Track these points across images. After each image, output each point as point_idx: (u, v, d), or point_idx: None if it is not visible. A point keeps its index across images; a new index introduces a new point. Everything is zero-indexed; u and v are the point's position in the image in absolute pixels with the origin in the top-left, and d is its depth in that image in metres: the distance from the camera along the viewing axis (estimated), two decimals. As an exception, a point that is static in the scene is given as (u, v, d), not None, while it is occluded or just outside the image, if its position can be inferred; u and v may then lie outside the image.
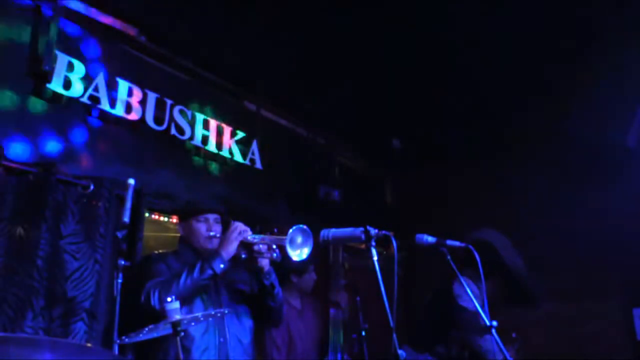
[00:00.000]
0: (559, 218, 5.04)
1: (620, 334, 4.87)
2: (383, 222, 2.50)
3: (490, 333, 3.16)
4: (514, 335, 3.24)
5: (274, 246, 2.85)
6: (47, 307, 3.03)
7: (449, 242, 2.65)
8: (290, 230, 2.63)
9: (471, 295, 2.61)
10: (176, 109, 4.11)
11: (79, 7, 3.70)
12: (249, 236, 2.81)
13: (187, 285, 2.65)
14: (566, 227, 4.92)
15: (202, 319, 2.48)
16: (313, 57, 4.79)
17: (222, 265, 2.72)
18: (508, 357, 2.36)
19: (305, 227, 2.66)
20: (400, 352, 2.00)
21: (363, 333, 4.01)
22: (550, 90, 4.87)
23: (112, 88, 3.73)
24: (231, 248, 2.75)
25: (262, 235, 2.84)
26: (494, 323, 2.44)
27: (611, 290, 4.92)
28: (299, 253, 2.66)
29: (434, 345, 3.17)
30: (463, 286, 2.65)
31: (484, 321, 3.16)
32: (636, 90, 4.59)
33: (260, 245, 2.83)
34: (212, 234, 2.92)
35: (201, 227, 2.96)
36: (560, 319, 4.86)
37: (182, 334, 2.29)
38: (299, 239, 2.67)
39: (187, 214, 3.04)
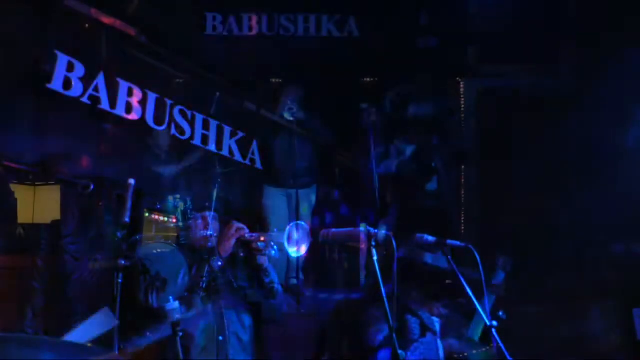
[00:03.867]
0: (559, 217, 5.03)
1: (621, 334, 4.87)
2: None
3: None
4: (500, 313, 3.25)
5: (272, 243, 2.84)
6: (47, 307, 3.03)
7: (449, 241, 2.63)
8: (287, 227, 2.62)
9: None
10: (176, 109, 4.11)
11: (79, 7, 3.70)
12: (246, 234, 2.81)
13: (185, 283, 2.65)
14: (565, 226, 4.91)
15: (201, 313, 2.49)
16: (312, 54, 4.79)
17: (219, 263, 2.73)
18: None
19: (302, 223, 2.66)
20: (400, 352, 2.00)
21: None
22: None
23: (112, 88, 3.73)
24: (228, 246, 2.76)
25: (259, 233, 2.84)
26: (494, 323, 2.42)
27: (611, 290, 4.91)
28: (296, 249, 2.66)
29: None
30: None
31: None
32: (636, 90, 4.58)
33: (258, 243, 2.83)
34: (209, 232, 2.92)
35: (199, 226, 2.96)
36: (559, 319, 4.86)
37: (181, 334, 2.29)
38: (296, 236, 2.67)
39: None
